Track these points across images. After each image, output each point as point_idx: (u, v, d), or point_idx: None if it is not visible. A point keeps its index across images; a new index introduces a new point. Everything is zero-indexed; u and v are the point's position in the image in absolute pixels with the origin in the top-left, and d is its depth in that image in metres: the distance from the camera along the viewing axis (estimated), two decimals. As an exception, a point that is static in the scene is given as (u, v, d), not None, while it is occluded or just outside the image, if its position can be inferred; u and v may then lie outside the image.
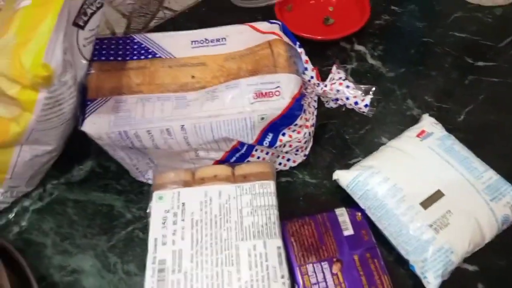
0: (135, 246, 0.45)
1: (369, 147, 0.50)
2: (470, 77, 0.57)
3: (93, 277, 0.43)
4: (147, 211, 0.42)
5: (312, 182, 0.49)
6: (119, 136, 0.40)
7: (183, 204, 0.42)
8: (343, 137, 0.53)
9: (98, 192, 0.49)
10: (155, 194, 0.43)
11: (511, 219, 0.41)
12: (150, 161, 0.46)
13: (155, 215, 0.41)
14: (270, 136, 0.42)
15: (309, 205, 0.47)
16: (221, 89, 0.41)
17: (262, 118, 0.39)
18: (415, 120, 0.51)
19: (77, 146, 0.47)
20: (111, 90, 0.42)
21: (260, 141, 0.42)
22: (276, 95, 0.40)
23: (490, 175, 0.43)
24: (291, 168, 0.50)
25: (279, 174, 0.50)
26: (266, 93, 0.40)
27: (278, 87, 0.40)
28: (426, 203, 0.41)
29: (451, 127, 0.49)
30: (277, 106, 0.39)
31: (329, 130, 0.53)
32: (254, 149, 0.45)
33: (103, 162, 0.51)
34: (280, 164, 0.49)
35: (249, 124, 0.40)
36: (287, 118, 0.40)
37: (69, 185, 0.50)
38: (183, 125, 0.39)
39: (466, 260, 0.41)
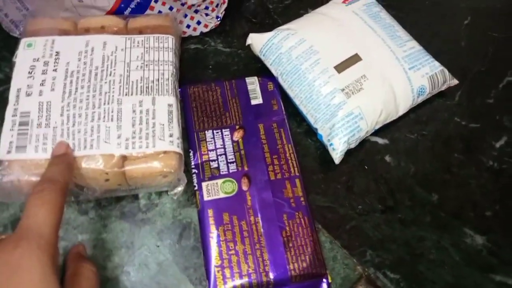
0: (4, 108, 0.38)
1: (293, 19, 0.44)
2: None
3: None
4: (13, 59, 0.34)
5: (225, 51, 0.43)
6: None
7: (58, 53, 0.34)
8: (266, 6, 0.46)
9: (-40, 47, 0.40)
10: (23, 41, 0.35)
11: (427, 91, 0.39)
12: (21, 4, 0.37)
13: (21, 64, 0.34)
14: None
15: (218, 75, 0.42)
16: None
17: None
18: (346, -7, 0.45)
19: None
20: None
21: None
22: None
23: (413, 45, 0.40)
24: (202, 34, 0.43)
25: (188, 39, 0.43)
26: None
27: None
28: (341, 67, 0.37)
29: (383, 3, 0.43)
30: None
31: (251, -3, 0.47)
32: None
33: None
34: (188, 27, 0.42)
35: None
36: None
37: None
38: None
39: (377, 133, 0.39)
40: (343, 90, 0.36)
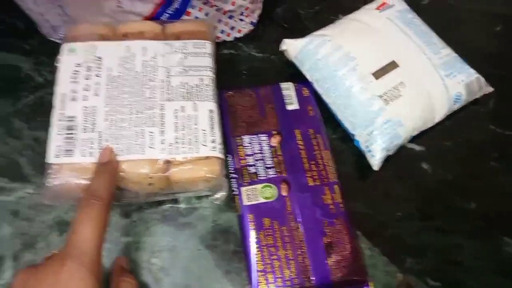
0: (46, 112, 0.37)
1: (324, 24, 0.44)
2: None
3: (-7, 143, 0.37)
4: (55, 64, 0.34)
5: (258, 56, 0.44)
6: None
7: (100, 58, 0.34)
8: (297, 12, 0.47)
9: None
10: (66, 46, 0.35)
11: (464, 98, 0.39)
12: (62, 11, 0.37)
13: (64, 69, 0.34)
14: (209, -18, 0.35)
15: (253, 80, 0.42)
16: None
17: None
18: (377, -1, 0.45)
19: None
20: None
21: (196, -14, 0.35)
22: None
23: (448, 52, 0.40)
24: (236, 39, 0.44)
25: (222, 45, 0.43)
26: None
27: None
28: (379, 73, 0.37)
29: (414, 10, 0.44)
30: None
31: (282, 3, 0.47)
32: (191, 5, 0.38)
33: (7, 18, 0.42)
34: (222, 32, 0.42)
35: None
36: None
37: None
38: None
39: (414, 140, 0.39)
40: (381, 96, 0.36)
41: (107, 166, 0.30)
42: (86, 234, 0.25)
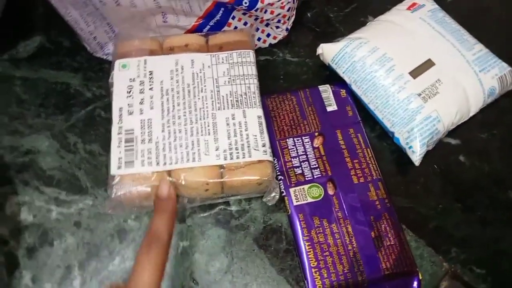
0: (97, 126, 0.41)
1: (355, 26, 0.45)
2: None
3: (51, 157, 0.39)
4: (109, 80, 0.36)
5: (293, 61, 0.45)
6: (68, -15, 0.33)
7: (151, 72, 0.36)
8: (327, 15, 0.48)
9: (50, 69, 0.43)
10: (118, 62, 0.37)
11: (497, 91, 0.40)
12: (110, 28, 0.39)
13: (119, 84, 0.36)
14: (249, -5, 0.37)
15: (290, 84, 0.44)
16: None
17: (242, -34, 0.34)
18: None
19: (18, 18, 0.40)
20: None
21: (238, -1, 0.36)
22: None
23: (480, 48, 0.41)
24: (270, 45, 0.45)
25: (257, 52, 0.45)
26: None
27: None
28: (416, 72, 0.38)
29: (442, 8, 0.45)
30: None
31: (312, 7, 0.48)
32: (231, 16, 0.40)
33: (54, 37, 0.44)
34: (259, 40, 0.44)
35: (226, -26, 0.34)
36: (270, -30, 0.35)
37: (14, 61, 0.43)
38: (147, -30, 0.33)
39: (449, 134, 0.40)
40: (420, 94, 0.38)
41: (167, 205, 0.31)
42: (146, 277, 0.27)
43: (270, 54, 0.45)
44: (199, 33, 0.40)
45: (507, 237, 0.37)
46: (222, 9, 0.38)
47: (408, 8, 0.43)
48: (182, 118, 0.35)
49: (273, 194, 0.35)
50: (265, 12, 0.39)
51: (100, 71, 0.43)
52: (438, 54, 0.39)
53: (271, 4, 0.38)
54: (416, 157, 0.38)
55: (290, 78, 0.44)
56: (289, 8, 0.40)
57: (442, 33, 0.41)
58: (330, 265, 0.34)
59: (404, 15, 0.42)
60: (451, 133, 0.41)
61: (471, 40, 0.41)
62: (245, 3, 0.37)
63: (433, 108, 0.37)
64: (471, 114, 0.40)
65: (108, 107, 0.37)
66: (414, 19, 0.42)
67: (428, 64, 0.39)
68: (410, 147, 0.38)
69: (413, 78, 0.38)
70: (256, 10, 0.38)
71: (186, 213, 0.37)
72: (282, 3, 0.39)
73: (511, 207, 0.38)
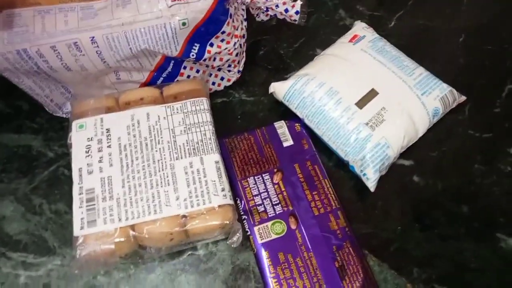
0: (61, 184, 0.41)
1: (305, 60, 0.48)
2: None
3: (16, 222, 0.39)
4: (68, 141, 0.37)
5: (249, 100, 0.47)
6: (18, 57, 0.34)
7: (108, 130, 0.38)
8: (278, 52, 0.50)
9: (10, 133, 0.44)
10: (74, 123, 0.38)
11: (441, 111, 0.43)
12: (65, 90, 0.40)
13: (77, 145, 0.37)
14: (196, 47, 0.38)
15: (247, 123, 0.45)
16: (134, -5, 0.36)
17: (184, 24, 0.36)
18: (348, 30, 0.49)
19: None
20: None
21: (185, 52, 0.38)
22: (197, -3, 0.36)
23: (420, 72, 0.44)
24: (226, 87, 0.47)
25: (214, 95, 0.47)
26: (185, -5, 0.36)
27: (198, -12, 0.36)
28: (362, 103, 0.41)
29: (383, 34, 0.48)
30: (198, 8, 0.35)
31: (262, 46, 0.51)
32: (183, 67, 0.42)
33: (12, 101, 0.45)
34: (214, 84, 0.46)
35: (170, 32, 0.36)
36: (213, 23, 0.37)
37: (-26, 129, 0.44)
38: (92, 37, 0.34)
39: (402, 156, 0.43)
40: (367, 124, 0.40)
41: None
42: None
43: (226, 96, 0.47)
44: (154, 86, 0.41)
45: (465, 250, 0.39)
46: (172, 61, 0.40)
47: (350, 41, 0.46)
48: (141, 172, 0.36)
49: (236, 236, 0.36)
50: (214, 60, 0.41)
51: (61, 130, 0.44)
52: (381, 83, 0.42)
53: (219, 53, 0.40)
54: (371, 183, 0.39)
55: (247, 117, 0.46)
56: (237, 53, 0.42)
57: (383, 62, 0.43)
58: (299, 300, 0.35)
59: (347, 48, 0.45)
60: (403, 155, 0.43)
61: (411, 65, 0.44)
62: (193, 55, 0.39)
63: (381, 135, 0.40)
64: (420, 135, 0.42)
65: (70, 165, 0.37)
66: (356, 51, 0.44)
67: (372, 94, 0.41)
68: (364, 174, 0.40)
69: (360, 109, 0.40)
70: (204, 60, 0.40)
71: (155, 264, 0.38)
72: (229, 50, 0.41)
73: (467, 220, 0.40)
